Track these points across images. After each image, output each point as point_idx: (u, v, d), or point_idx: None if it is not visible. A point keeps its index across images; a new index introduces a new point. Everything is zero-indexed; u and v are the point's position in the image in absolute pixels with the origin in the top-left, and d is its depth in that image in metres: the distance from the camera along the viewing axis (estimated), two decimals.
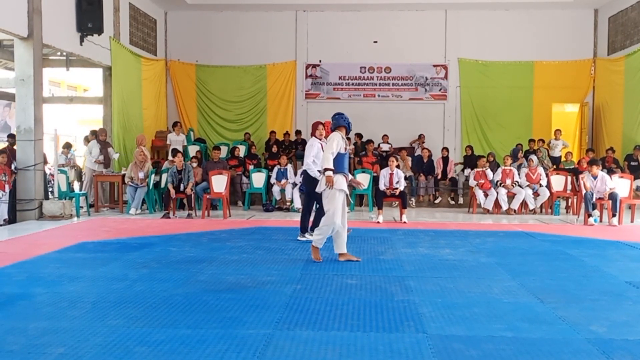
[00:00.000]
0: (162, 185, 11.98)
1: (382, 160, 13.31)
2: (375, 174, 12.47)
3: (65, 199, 10.84)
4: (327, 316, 4.44)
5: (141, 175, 11.57)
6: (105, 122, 13.66)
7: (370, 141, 14.38)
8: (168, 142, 14.41)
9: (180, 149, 13.55)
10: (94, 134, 12.99)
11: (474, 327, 4.21)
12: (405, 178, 11.81)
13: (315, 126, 8.53)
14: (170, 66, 16.81)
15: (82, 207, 11.61)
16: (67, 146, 13.77)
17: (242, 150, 14.75)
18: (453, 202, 13.65)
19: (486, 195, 12.14)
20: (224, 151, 14.57)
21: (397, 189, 10.76)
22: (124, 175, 11.96)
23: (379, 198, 10.83)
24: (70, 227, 9.66)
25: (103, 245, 7.71)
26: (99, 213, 11.77)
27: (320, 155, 7.59)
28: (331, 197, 6.47)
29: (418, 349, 3.74)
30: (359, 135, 15.38)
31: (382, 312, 4.55)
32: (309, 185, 7.79)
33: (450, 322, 4.31)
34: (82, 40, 12.02)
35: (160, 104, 16.32)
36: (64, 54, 12.84)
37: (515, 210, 12.08)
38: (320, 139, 8.03)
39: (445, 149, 14.36)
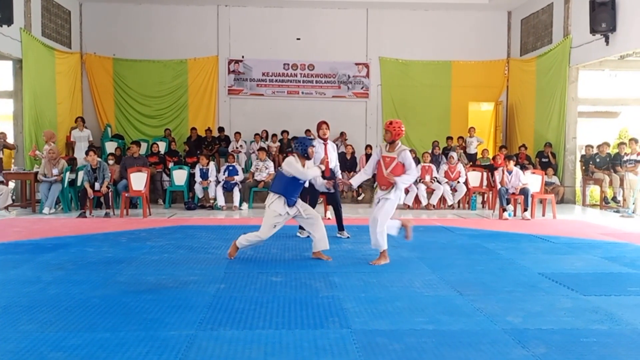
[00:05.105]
0: (79, 183, 11.53)
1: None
2: None
3: None
4: (252, 315, 4.40)
5: (55, 171, 11.07)
6: (16, 117, 13.01)
7: (295, 138, 14.36)
8: (72, 139, 13.84)
9: (86, 144, 13.05)
10: None
11: (397, 320, 4.29)
12: None
13: (319, 126, 8.33)
14: (85, 60, 16.16)
15: None
16: None
17: (162, 147, 14.39)
18: None
19: (407, 192, 12.42)
20: (143, 147, 14.16)
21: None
22: (36, 173, 11.42)
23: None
24: None
25: (14, 247, 7.33)
26: (9, 212, 11.20)
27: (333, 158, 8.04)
28: (269, 215, 6.46)
29: (342, 344, 3.77)
30: (286, 132, 15.38)
31: (307, 309, 4.56)
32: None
33: (374, 317, 4.38)
34: None
35: (76, 98, 15.69)
36: None
37: (434, 206, 12.44)
38: (324, 140, 8.18)
39: (369, 146, 14.58)
